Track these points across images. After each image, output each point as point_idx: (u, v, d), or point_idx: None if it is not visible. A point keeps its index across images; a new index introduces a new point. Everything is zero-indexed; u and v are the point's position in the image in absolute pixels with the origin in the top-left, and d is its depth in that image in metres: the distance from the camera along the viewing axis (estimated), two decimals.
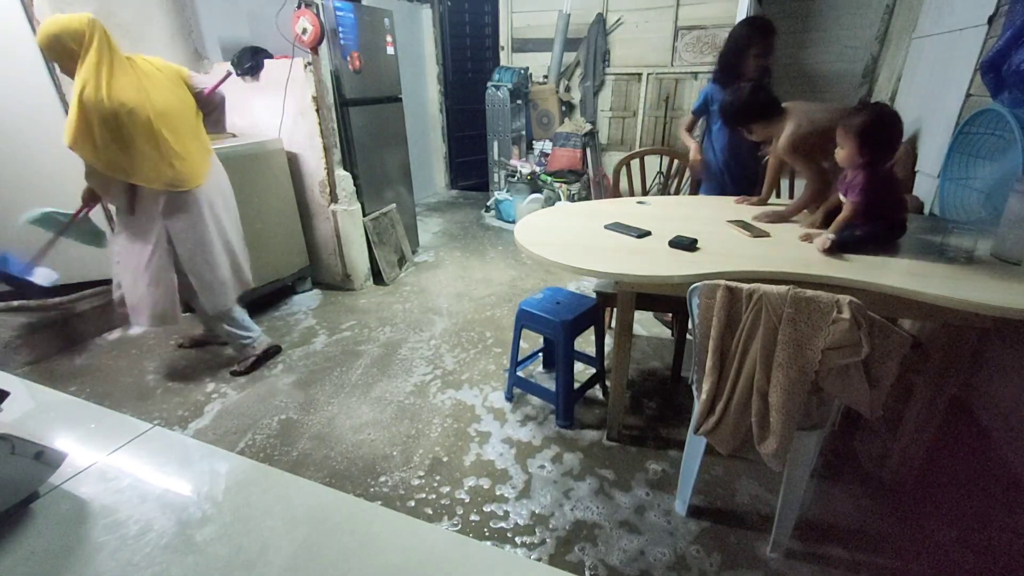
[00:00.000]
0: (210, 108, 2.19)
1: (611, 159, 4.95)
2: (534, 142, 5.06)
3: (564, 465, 1.84)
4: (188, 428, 2.05)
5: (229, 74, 2.30)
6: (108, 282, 2.75)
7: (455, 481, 1.77)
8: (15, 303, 2.58)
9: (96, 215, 2.32)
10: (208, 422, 2.08)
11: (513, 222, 4.59)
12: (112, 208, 2.16)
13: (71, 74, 1.84)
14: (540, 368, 2.44)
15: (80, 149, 1.85)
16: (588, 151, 4.71)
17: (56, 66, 1.91)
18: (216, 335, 2.62)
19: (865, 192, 1.52)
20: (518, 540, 1.54)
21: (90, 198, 2.16)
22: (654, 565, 1.46)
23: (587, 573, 1.44)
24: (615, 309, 1.87)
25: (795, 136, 1.76)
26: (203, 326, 2.62)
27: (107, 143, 1.84)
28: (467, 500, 1.69)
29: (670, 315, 2.71)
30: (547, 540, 1.53)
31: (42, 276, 2.35)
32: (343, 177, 3.10)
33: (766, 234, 1.75)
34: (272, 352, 2.54)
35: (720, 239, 1.72)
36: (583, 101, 4.91)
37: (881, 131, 1.48)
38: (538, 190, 4.52)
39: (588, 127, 4.75)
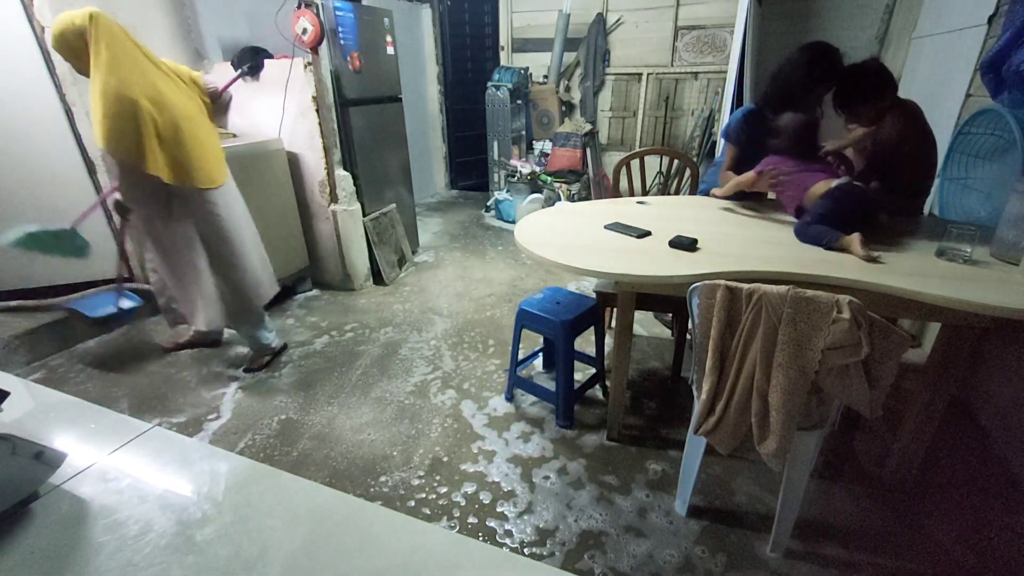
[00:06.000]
0: (219, 108, 2.19)
1: (611, 159, 4.96)
2: (534, 142, 5.06)
3: (565, 466, 1.84)
4: (189, 428, 2.05)
5: (241, 74, 2.28)
6: (108, 282, 2.76)
7: (455, 482, 1.77)
8: (15, 303, 2.59)
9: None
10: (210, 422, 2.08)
11: (513, 222, 4.59)
12: (138, 220, 2.09)
13: (86, 73, 1.80)
14: (540, 368, 2.44)
15: (114, 147, 1.78)
16: (588, 151, 4.71)
17: (70, 66, 1.86)
18: (211, 338, 2.63)
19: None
20: (526, 552, 1.53)
21: (122, 211, 2.11)
22: (664, 568, 1.45)
23: None
24: (615, 309, 1.87)
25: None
26: (195, 330, 2.59)
27: (137, 136, 1.78)
28: (463, 503, 1.69)
29: (670, 315, 2.71)
30: (556, 553, 1.51)
31: (130, 300, 2.30)
32: (343, 177, 3.10)
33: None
34: (281, 350, 2.56)
35: (720, 239, 1.71)
36: (583, 101, 4.91)
37: None
38: (538, 190, 4.52)
39: (588, 127, 4.75)
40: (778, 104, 1.95)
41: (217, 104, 2.18)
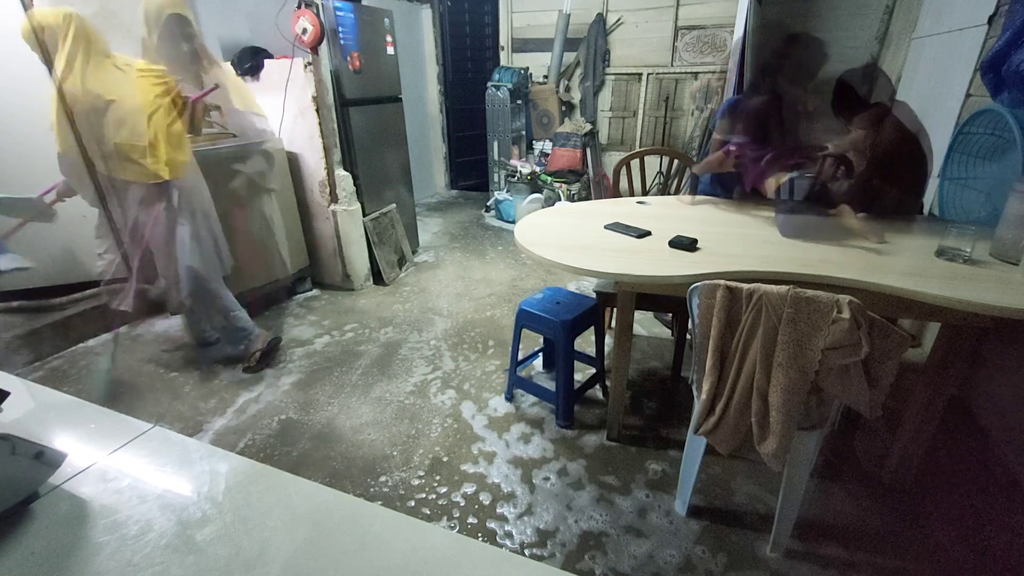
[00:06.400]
0: (191, 115, 2.21)
1: (611, 159, 4.95)
2: (534, 142, 5.06)
3: (565, 467, 1.84)
4: (188, 428, 2.05)
5: (216, 87, 2.32)
6: (109, 283, 2.76)
7: (455, 483, 1.77)
8: (15, 303, 2.58)
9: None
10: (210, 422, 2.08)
11: (513, 222, 4.59)
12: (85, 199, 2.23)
13: (51, 66, 1.88)
14: (540, 368, 2.44)
15: (57, 138, 1.92)
16: (588, 151, 4.71)
17: (38, 56, 1.97)
18: (206, 337, 2.62)
19: None
20: (526, 553, 1.53)
21: (66, 190, 2.20)
22: (664, 568, 1.45)
23: None
24: (615, 309, 1.87)
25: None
26: (190, 328, 2.60)
27: (81, 133, 1.90)
28: (463, 504, 1.69)
29: (670, 315, 2.71)
30: (556, 554, 1.51)
31: (7, 261, 2.30)
32: (343, 177, 3.10)
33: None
34: (274, 345, 2.54)
35: (720, 239, 1.71)
36: (583, 101, 4.91)
37: None
38: (538, 190, 4.52)
39: (588, 127, 4.75)
40: (762, 93, 2.05)
41: (193, 112, 2.21)
